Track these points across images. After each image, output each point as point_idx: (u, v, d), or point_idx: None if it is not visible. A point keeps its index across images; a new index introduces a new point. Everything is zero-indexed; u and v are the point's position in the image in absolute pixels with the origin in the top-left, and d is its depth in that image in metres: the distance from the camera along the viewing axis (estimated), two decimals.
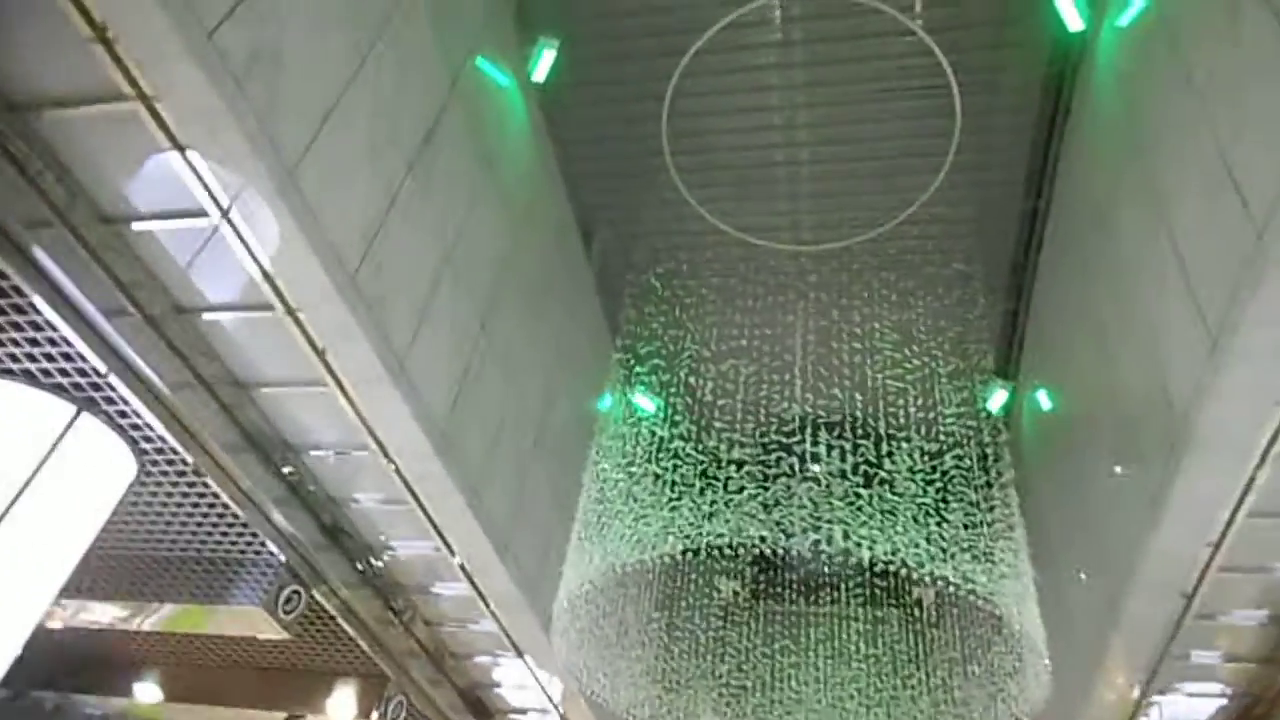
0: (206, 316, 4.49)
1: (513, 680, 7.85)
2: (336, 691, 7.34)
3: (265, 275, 3.98)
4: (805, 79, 6.22)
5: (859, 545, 4.00)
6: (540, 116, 6.87)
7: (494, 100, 6.05)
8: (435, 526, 5.69)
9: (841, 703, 6.19)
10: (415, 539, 6.04)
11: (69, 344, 4.60)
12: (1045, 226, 7.08)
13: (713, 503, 4.28)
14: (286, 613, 5.74)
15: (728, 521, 4.17)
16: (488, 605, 6.52)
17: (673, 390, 4.85)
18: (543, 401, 6.90)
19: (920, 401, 4.67)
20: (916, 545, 4.07)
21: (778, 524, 4.07)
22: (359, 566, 6.19)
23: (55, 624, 6.47)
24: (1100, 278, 5.15)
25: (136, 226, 4.05)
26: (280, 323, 4.33)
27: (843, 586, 7.40)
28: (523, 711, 8.52)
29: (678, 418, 4.77)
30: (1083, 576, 5.64)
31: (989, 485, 4.68)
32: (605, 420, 5.15)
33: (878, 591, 7.20)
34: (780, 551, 8.93)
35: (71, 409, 4.62)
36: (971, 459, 4.69)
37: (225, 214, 3.77)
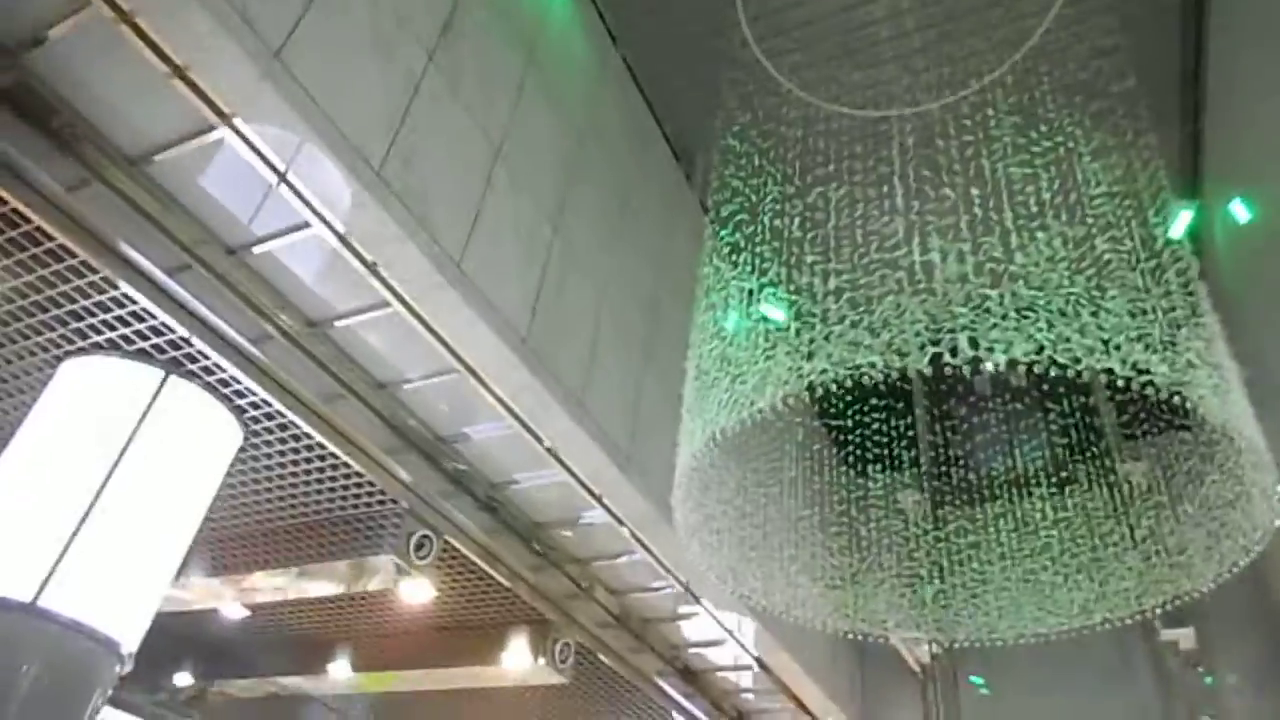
0: (257, 250, 4.38)
1: (684, 611, 7.52)
2: (506, 641, 7.27)
3: (283, 179, 3.77)
4: None
5: (991, 350, 3.28)
6: (592, 15, 6.43)
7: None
8: (545, 446, 5.40)
9: (1035, 576, 5.37)
10: (532, 468, 5.78)
11: (149, 314, 4.66)
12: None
13: (811, 341, 3.68)
14: (421, 559, 5.65)
15: (829, 356, 3.56)
16: (627, 528, 6.18)
17: (758, 239, 4.26)
18: (646, 315, 6.48)
19: (1058, 185, 3.84)
20: (1067, 340, 3.30)
21: (889, 345, 3.42)
22: (487, 504, 6.02)
23: (227, 605, 6.76)
24: None
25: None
26: (321, 239, 4.14)
27: (1037, 478, 6.51)
28: (705, 645, 8.19)
29: (765, 265, 4.19)
30: None
31: (1159, 270, 3.78)
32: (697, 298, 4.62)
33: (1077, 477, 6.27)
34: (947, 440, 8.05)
35: (159, 373, 4.63)
36: (1133, 238, 3.80)
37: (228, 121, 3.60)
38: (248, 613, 7.60)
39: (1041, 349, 3.30)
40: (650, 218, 6.70)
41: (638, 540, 6.34)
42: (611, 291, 5.96)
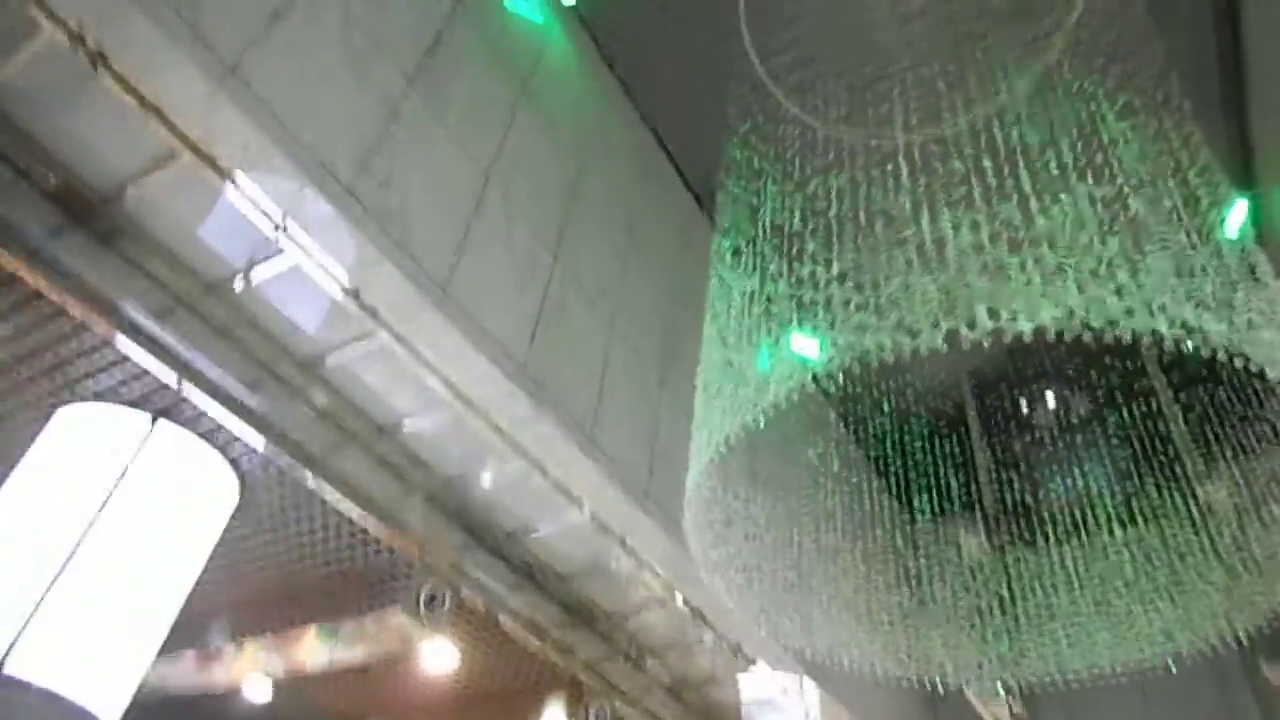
0: (238, 286, 4.23)
1: (720, 663, 6.97)
2: (536, 711, 6.80)
3: (257, 206, 3.62)
4: None
5: (1014, 320, 2.89)
6: (589, 44, 6.36)
7: (515, 24, 5.59)
8: (556, 484, 5.07)
9: (1107, 601, 4.76)
10: (547, 511, 5.44)
11: (132, 361, 4.52)
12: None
13: (814, 329, 3.34)
14: (430, 610, 5.29)
15: (835, 344, 3.20)
16: (653, 571, 5.76)
17: (759, 235, 3.95)
18: (661, 345, 6.18)
19: (1081, 146, 3.47)
20: (1102, 302, 2.90)
21: (899, 326, 3.06)
22: (503, 555, 5.67)
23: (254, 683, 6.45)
24: None
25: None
26: (300, 268, 3.97)
27: (1106, 505, 5.91)
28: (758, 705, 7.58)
29: (767, 263, 3.87)
30: None
31: (1205, 230, 3.37)
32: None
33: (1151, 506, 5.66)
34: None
35: (146, 418, 4.44)
36: (1173, 196, 3.40)
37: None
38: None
39: (1072, 314, 2.89)
40: (662, 246, 6.46)
41: (667, 587, 5.91)
42: (621, 320, 5.69)
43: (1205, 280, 3.08)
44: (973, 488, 6.99)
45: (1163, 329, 2.86)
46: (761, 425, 3.39)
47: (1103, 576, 4.90)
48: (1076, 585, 4.95)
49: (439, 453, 5.13)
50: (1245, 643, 4.39)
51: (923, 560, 5.41)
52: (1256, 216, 6.86)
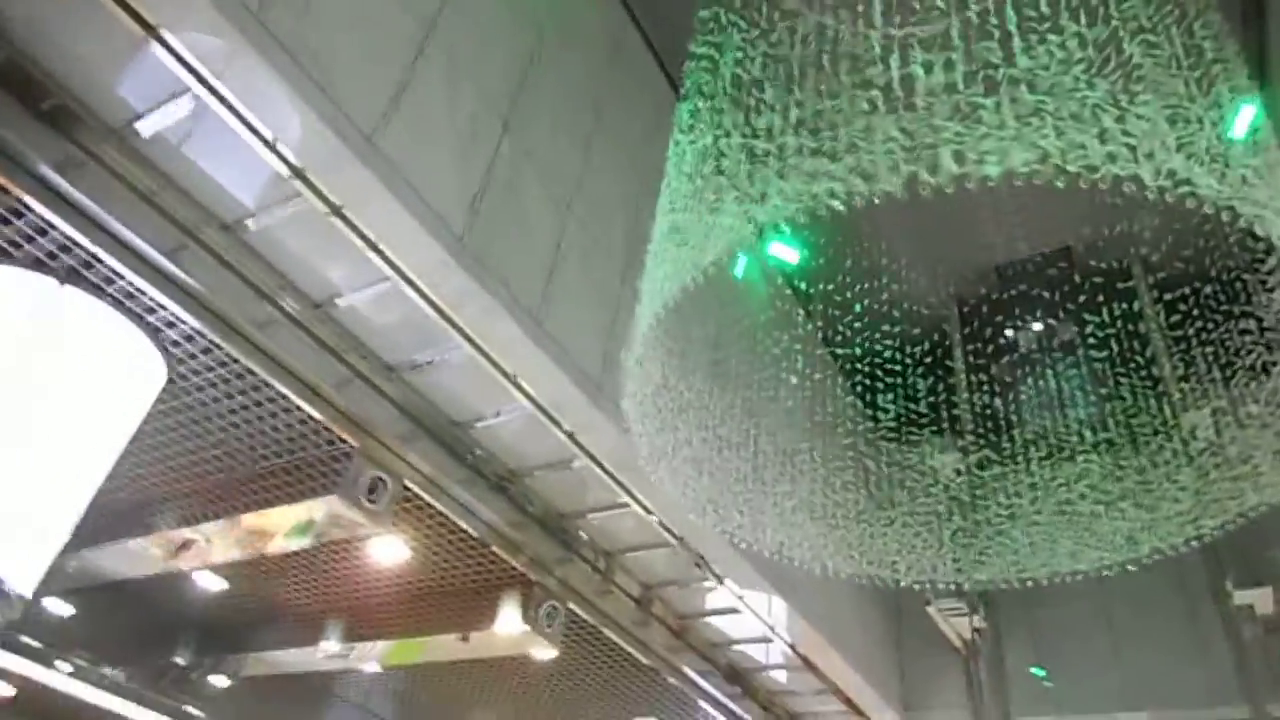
0: (147, 133, 3.86)
1: (689, 577, 6.86)
2: (487, 607, 6.66)
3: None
4: None
5: (980, 162, 2.58)
6: None
7: None
8: (499, 368, 4.79)
9: (1071, 506, 4.56)
10: (493, 400, 5.18)
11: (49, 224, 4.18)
12: None
13: (765, 179, 3.01)
14: (372, 502, 5.08)
15: (781, 191, 2.88)
16: (603, 470, 5.54)
17: (719, 91, 3.59)
18: (627, 235, 5.83)
19: None
20: (1082, 147, 2.58)
21: (854, 170, 2.74)
22: (448, 445, 5.44)
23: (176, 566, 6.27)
24: None
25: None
26: (208, 109, 3.60)
27: (1089, 431, 5.67)
28: (709, 613, 7.51)
29: (723, 118, 3.52)
30: None
31: (1205, 80, 3.03)
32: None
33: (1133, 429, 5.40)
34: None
35: (53, 283, 4.12)
36: (1173, 43, 3.05)
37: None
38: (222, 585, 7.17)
39: (1046, 158, 2.58)
40: (631, 134, 6.05)
41: (620, 485, 5.70)
42: (580, 207, 5.33)
43: (1200, 132, 2.76)
44: (948, 408, 6.78)
45: (1147, 178, 2.55)
46: (699, 282, 3.09)
47: (1068, 480, 4.70)
48: (1040, 489, 4.75)
49: (376, 333, 4.84)
50: (1214, 561, 4.19)
51: (884, 464, 5.20)
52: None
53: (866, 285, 6.84)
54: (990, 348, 8.40)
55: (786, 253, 7.89)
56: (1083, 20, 3.08)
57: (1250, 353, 3.80)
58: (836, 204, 2.75)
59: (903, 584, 4.62)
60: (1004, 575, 4.51)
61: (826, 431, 5.31)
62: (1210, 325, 4.26)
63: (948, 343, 8.65)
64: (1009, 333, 8.73)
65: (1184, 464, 4.16)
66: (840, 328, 6.12)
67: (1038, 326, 8.70)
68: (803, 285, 7.24)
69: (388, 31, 4.09)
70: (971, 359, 8.23)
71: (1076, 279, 7.83)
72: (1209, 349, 4.23)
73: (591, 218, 5.34)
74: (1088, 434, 5.23)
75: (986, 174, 2.60)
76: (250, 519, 5.23)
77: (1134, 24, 3.09)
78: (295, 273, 4.49)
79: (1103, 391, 6.17)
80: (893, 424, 5.42)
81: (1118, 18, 3.09)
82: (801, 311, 6.29)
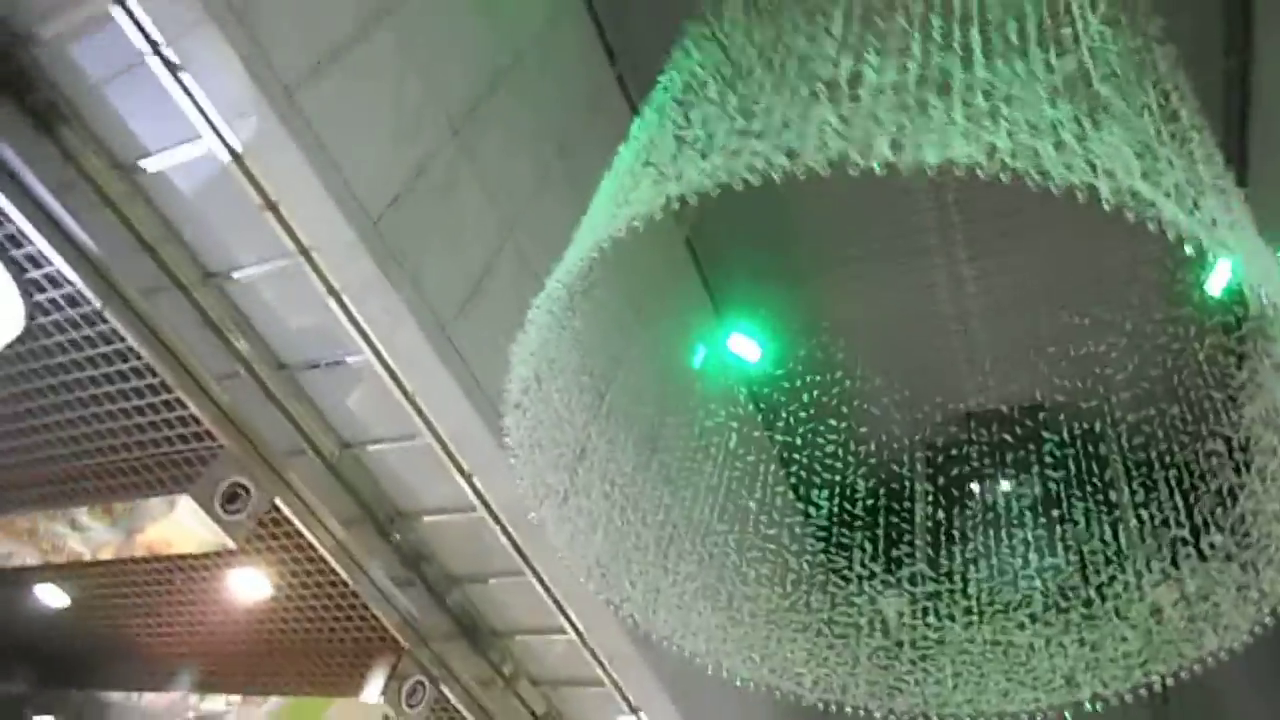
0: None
1: (578, 669, 6.08)
2: (360, 669, 5.86)
3: None
4: None
5: (919, 149, 2.23)
6: None
7: None
8: (397, 382, 4.32)
9: (1007, 636, 3.96)
10: (387, 419, 4.67)
11: None
12: None
13: (689, 159, 2.66)
14: (229, 512, 4.47)
15: (702, 169, 2.53)
16: (501, 527, 4.96)
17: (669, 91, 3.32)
18: None
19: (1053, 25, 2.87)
20: (1034, 151, 2.25)
21: (777, 147, 2.39)
22: (330, 464, 4.88)
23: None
24: None
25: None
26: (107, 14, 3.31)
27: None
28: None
29: (665, 118, 3.22)
30: None
31: (1180, 139, 2.75)
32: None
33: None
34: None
35: None
36: (1149, 98, 2.79)
37: None
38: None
39: (994, 152, 2.24)
40: (597, 178, 5.81)
41: (517, 550, 5.09)
42: (523, 234, 4.99)
43: (1169, 171, 2.44)
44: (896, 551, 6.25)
45: (1104, 191, 2.20)
46: (593, 258, 2.70)
47: (1008, 606, 4.13)
48: (976, 614, 4.17)
49: (273, 319, 4.40)
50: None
51: (806, 562, 4.63)
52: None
53: (827, 399, 6.49)
54: (952, 493, 7.94)
55: (747, 348, 7.56)
56: (1052, 52, 2.84)
57: (1217, 476, 3.37)
58: (753, 178, 2.39)
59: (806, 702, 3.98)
60: (923, 708, 3.87)
61: (750, 517, 4.77)
62: (1175, 447, 3.84)
63: (906, 480, 8.20)
64: (973, 484, 8.30)
65: (1136, 599, 3.63)
66: (792, 431, 5.72)
67: (1004, 482, 8.28)
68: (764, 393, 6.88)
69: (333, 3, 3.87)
70: (931, 502, 7.75)
71: (1045, 435, 7.49)
72: (1172, 472, 3.80)
73: (534, 245, 4.99)
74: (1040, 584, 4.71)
75: (923, 160, 2.25)
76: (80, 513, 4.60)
77: (1106, 68, 2.86)
78: (191, 230, 4.09)
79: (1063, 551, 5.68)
80: (824, 523, 4.89)
81: (1088, 59, 2.85)
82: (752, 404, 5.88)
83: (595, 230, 2.83)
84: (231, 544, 4.56)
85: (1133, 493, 4.16)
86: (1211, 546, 3.32)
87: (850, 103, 2.57)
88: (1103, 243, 5.79)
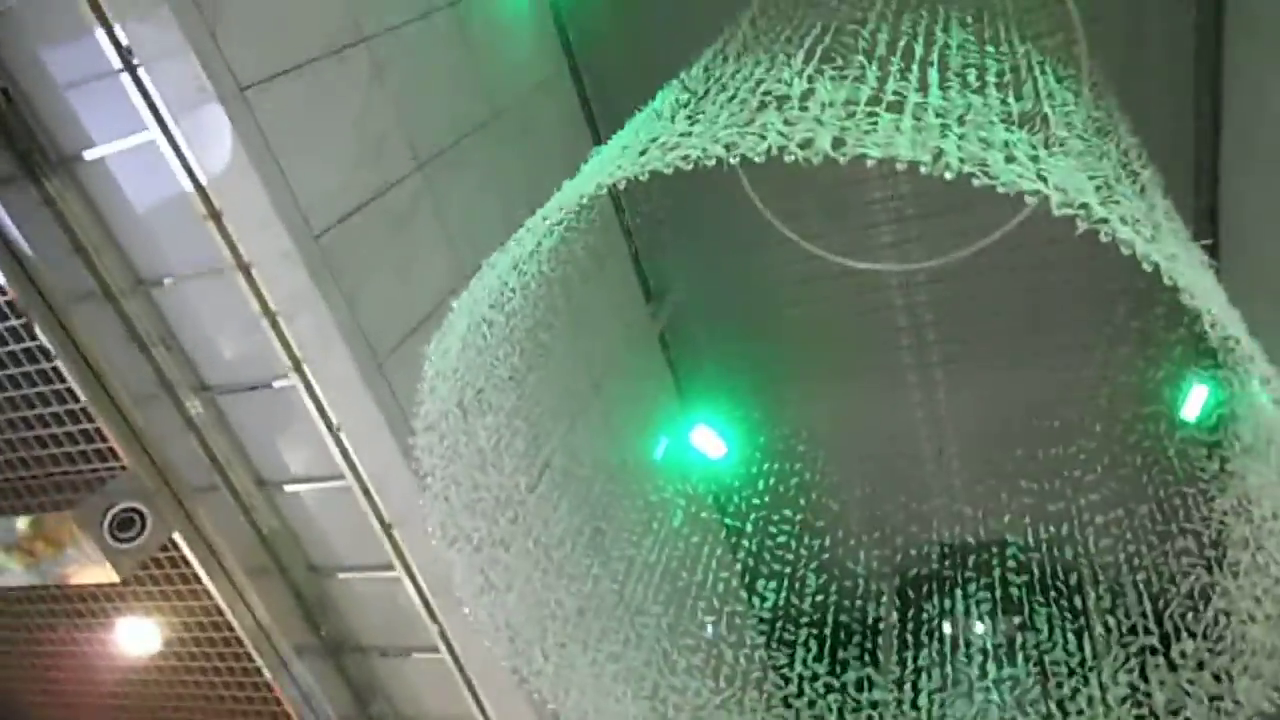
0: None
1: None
2: None
3: None
4: None
5: (862, 145, 2.09)
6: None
7: None
8: (320, 411, 4.05)
9: None
10: (316, 460, 4.36)
11: None
12: None
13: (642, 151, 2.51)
14: (118, 540, 4.07)
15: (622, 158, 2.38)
16: (419, 592, 4.55)
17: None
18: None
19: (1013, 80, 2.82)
20: (981, 158, 2.11)
21: (714, 137, 2.25)
22: (247, 507, 4.51)
23: None
24: None
25: None
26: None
27: None
28: None
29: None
30: None
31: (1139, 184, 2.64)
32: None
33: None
34: None
35: None
36: (1113, 155, 2.69)
37: None
38: None
39: (940, 155, 2.10)
40: None
41: (436, 622, 4.65)
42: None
43: (1126, 201, 2.31)
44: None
45: (1055, 198, 2.05)
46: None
47: None
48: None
49: (200, 336, 4.16)
50: None
51: (743, 655, 4.20)
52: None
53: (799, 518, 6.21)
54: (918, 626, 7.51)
55: (711, 443, 7.31)
56: (1011, 95, 2.77)
57: (1189, 575, 3.07)
58: (683, 164, 2.24)
59: None
60: None
61: (687, 601, 4.38)
62: (1145, 548, 3.54)
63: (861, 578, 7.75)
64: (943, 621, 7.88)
65: (1102, 714, 3.22)
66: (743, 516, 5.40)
67: (976, 622, 7.86)
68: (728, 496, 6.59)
69: (308, 15, 3.86)
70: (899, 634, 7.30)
71: (1018, 574, 7.17)
72: (1140, 576, 3.48)
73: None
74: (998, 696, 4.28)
75: (866, 154, 2.12)
76: None
77: (1063, 117, 2.78)
78: (121, 228, 3.91)
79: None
80: (768, 616, 4.48)
81: (1046, 105, 2.79)
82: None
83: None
84: (115, 576, 4.14)
85: (1099, 598, 3.83)
86: (1183, 655, 2.99)
87: (799, 111, 2.46)
88: (1073, 357, 5.68)
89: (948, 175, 2.07)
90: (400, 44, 4.39)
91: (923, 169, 2.08)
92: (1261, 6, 4.48)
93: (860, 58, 2.92)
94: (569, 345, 4.70)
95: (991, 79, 2.87)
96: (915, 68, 2.78)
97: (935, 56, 2.94)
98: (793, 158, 2.16)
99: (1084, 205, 2.06)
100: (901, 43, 3.07)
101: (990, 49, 3.09)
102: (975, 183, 2.04)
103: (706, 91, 2.92)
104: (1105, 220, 2.05)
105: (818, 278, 6.89)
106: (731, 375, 7.60)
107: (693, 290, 7.43)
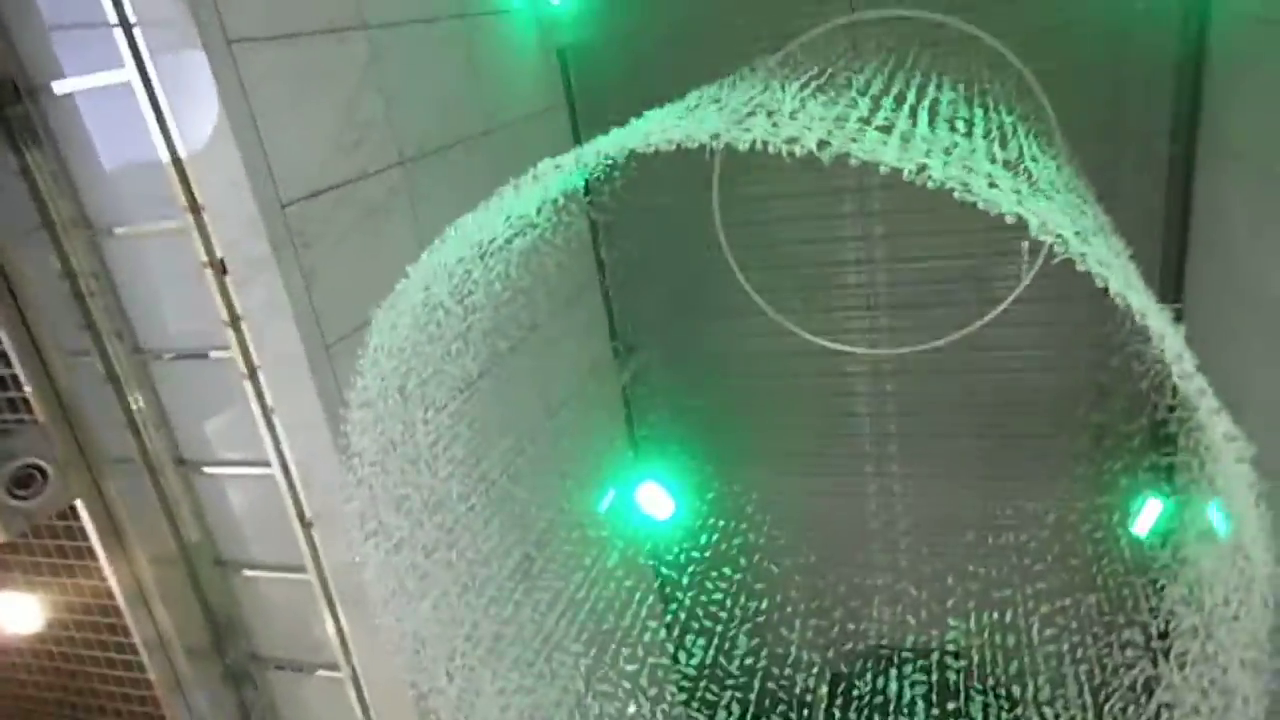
0: None
1: None
2: None
3: None
4: None
5: (826, 145, 2.05)
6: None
7: None
8: (261, 400, 3.85)
9: None
10: (242, 442, 4.13)
11: None
12: None
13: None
14: (17, 497, 3.78)
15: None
16: (328, 599, 4.27)
17: None
18: None
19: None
20: (965, 184, 2.08)
21: (664, 132, 2.19)
22: (162, 491, 4.25)
23: None
24: None
25: None
26: None
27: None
28: None
29: None
30: None
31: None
32: None
33: None
34: None
35: None
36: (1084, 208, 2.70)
37: None
38: None
39: (924, 168, 2.07)
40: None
41: (341, 636, 4.36)
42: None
43: (1098, 239, 2.29)
44: None
45: (1032, 224, 2.02)
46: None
47: None
48: None
49: (145, 295, 3.98)
50: None
51: (662, 711, 3.95)
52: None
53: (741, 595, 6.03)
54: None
55: (659, 501, 7.11)
56: (996, 147, 2.78)
57: (1133, 668, 2.95)
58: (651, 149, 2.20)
59: None
60: None
61: (611, 645, 4.15)
62: (1089, 639, 3.42)
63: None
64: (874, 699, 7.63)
65: None
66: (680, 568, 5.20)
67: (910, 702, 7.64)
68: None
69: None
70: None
71: (956, 660, 7.00)
72: (1083, 668, 3.34)
73: None
74: None
75: (851, 154, 2.08)
76: None
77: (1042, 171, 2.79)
78: (80, 168, 3.77)
79: None
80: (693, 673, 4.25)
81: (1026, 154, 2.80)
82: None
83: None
84: (1, 535, 3.84)
85: (1038, 689, 3.69)
86: None
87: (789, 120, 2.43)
88: (1033, 448, 5.68)
89: (929, 184, 2.03)
90: (402, 41, 4.38)
91: (905, 175, 2.04)
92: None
93: (853, 94, 2.93)
94: (527, 363, 4.56)
95: (979, 131, 2.90)
96: (906, 108, 2.79)
97: (926, 103, 2.97)
98: (782, 159, 2.11)
99: (1060, 236, 2.03)
100: (894, 89, 3.11)
101: (979, 110, 3.14)
102: (956, 195, 2.01)
103: (698, 105, 2.91)
104: (1084, 255, 2.03)
105: (787, 353, 6.91)
106: (688, 435, 7.48)
107: (661, 347, 7.39)
